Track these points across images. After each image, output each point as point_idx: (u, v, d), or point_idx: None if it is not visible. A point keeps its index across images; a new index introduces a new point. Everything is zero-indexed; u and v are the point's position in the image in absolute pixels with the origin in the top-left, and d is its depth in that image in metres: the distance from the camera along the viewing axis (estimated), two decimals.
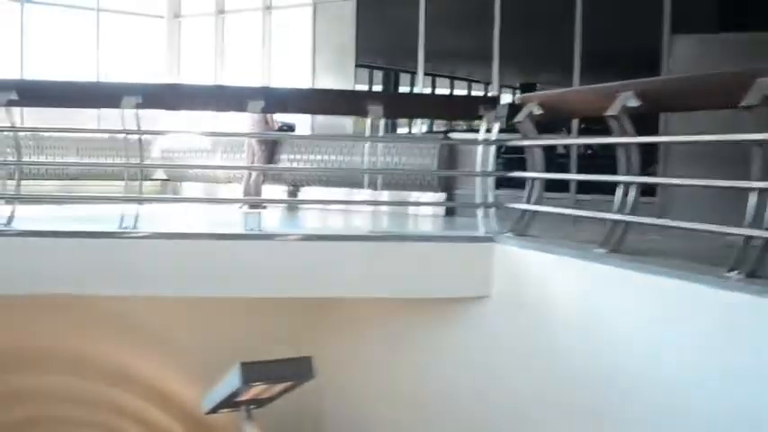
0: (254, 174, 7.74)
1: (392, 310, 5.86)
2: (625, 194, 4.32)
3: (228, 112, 8.87)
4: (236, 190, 8.08)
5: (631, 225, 4.28)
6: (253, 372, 1.95)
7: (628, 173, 4.33)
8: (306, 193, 8.33)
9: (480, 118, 5.38)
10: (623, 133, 4.28)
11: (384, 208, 7.58)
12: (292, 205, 8.31)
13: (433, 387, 5.66)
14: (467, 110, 5.32)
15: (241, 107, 5.19)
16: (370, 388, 6.80)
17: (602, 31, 7.90)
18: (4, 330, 8.69)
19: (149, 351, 8.17)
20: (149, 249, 4.85)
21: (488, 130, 5.27)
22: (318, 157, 7.95)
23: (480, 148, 5.38)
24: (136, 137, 5.36)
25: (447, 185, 7.32)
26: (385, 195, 7.24)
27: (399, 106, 5.23)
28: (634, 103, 4.18)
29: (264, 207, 7.72)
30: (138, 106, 4.99)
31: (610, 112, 4.24)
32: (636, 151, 4.34)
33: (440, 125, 8.83)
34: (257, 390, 2.03)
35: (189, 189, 9.18)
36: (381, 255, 5.16)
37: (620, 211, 4.29)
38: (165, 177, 9.01)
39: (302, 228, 7.05)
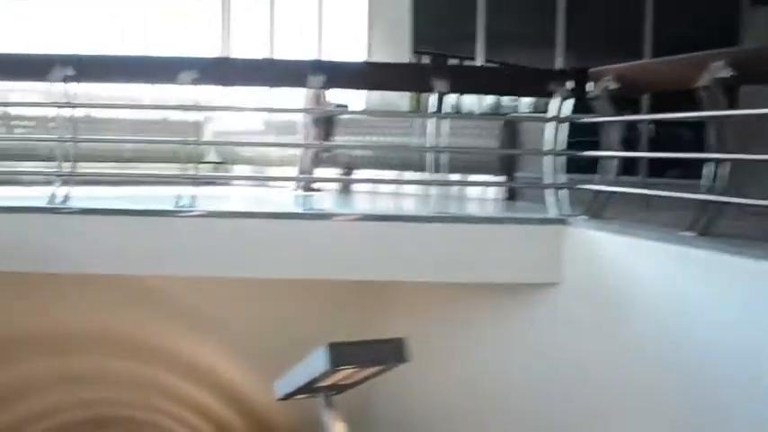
0: (308, 155, 7.56)
1: (453, 296, 5.62)
2: (714, 173, 3.97)
3: (281, 97, 8.81)
4: (290, 173, 7.95)
5: (720, 206, 3.94)
6: (342, 354, 1.73)
7: (718, 150, 3.99)
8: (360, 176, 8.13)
9: (550, 94, 5.08)
10: (714, 106, 3.93)
11: (439, 193, 7.32)
12: (345, 188, 8.11)
13: (494, 378, 5.41)
14: (538, 83, 5.00)
15: (300, 82, 5.00)
16: (425, 378, 6.58)
17: (675, 8, 7.49)
18: (57, 310, 8.78)
19: (202, 334, 8.12)
20: (205, 228, 4.70)
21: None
22: (374, 139, 7.73)
23: (551, 126, 5.07)
24: (191, 118, 5.22)
25: (508, 168, 7.02)
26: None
27: (467, 81, 4.95)
28: (726, 73, 3.83)
29: (318, 190, 7.57)
30: (195, 82, 4.84)
31: (700, 84, 3.89)
32: (727, 126, 4.00)
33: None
34: (343, 374, 1.84)
35: (241, 172, 9.09)
36: (443, 237, 4.92)
37: (711, 191, 3.95)
38: (217, 160, 8.92)
39: (359, 209, 6.83)
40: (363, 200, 7.66)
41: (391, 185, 7.84)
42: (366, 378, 2.02)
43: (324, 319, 6.46)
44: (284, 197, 6.88)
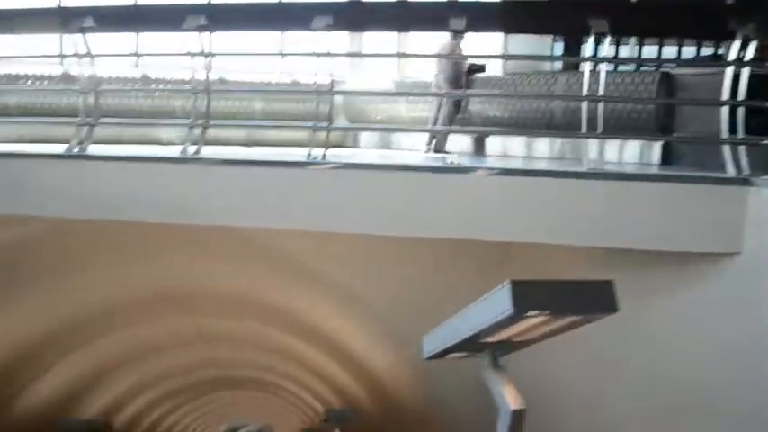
0: (441, 118, 7.15)
1: (600, 264, 5.02)
2: None
3: (415, 59, 8.44)
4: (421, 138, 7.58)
5: None
6: (531, 296, 1.27)
7: None
8: (495, 142, 7.60)
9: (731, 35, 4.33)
10: None
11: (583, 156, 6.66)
12: (479, 151, 7.62)
13: (649, 359, 4.78)
14: (715, 21, 4.28)
15: (438, 25, 4.56)
16: (565, 358, 6.04)
17: None
18: (194, 269, 8.97)
19: (330, 299, 8.02)
20: (337, 182, 4.42)
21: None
22: (512, 102, 7.17)
23: (730, 72, 4.33)
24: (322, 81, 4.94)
25: (664, 128, 6.25)
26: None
27: (630, 19, 4.31)
28: None
29: (449, 152, 7.17)
30: (329, 28, 4.54)
31: None
32: None
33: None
34: (525, 325, 1.40)
35: (370, 137, 8.84)
36: (599, 196, 4.34)
37: None
38: (347, 124, 8.72)
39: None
40: (500, 163, 7.16)
41: (525, 151, 7.28)
42: (547, 334, 1.58)
43: (445, 282, 6.11)
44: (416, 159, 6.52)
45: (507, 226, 4.45)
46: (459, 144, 7.62)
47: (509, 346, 1.68)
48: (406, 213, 4.38)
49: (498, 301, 1.30)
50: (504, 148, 7.61)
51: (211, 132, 5.07)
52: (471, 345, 1.69)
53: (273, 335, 11.77)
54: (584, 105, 4.64)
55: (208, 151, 4.83)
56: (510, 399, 1.57)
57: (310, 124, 4.77)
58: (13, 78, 7.53)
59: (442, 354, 1.84)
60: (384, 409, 10.17)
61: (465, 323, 1.59)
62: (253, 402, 20.96)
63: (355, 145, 8.96)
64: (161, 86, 8.05)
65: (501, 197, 4.46)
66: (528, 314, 1.26)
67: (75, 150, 4.91)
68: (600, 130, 4.61)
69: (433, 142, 7.23)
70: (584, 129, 4.65)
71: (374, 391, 10.13)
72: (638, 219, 4.27)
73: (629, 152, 6.57)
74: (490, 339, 1.56)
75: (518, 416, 1.56)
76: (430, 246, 5.64)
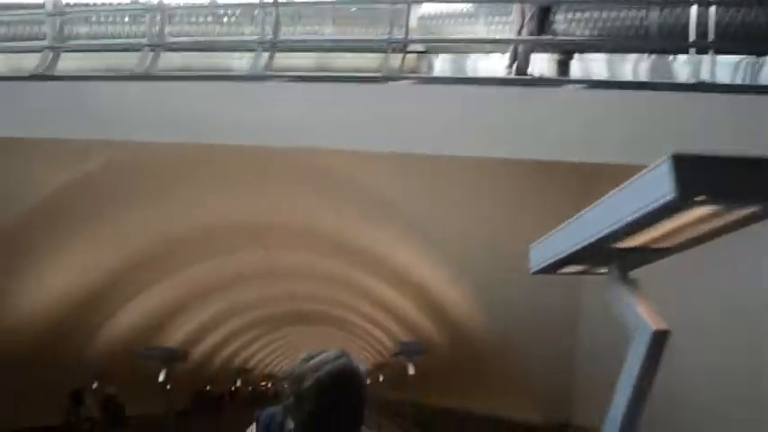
0: (524, 35, 6.57)
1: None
2: None
3: None
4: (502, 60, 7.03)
5: None
6: (702, 174, 0.90)
7: None
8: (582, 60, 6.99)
9: None
10: None
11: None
12: (562, 76, 7.02)
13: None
14: None
15: None
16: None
17: None
18: (265, 203, 8.92)
19: (394, 224, 7.80)
20: (414, 97, 4.09)
21: None
22: (607, 15, 6.49)
23: None
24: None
25: None
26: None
27: None
28: None
29: (531, 75, 6.63)
30: None
31: None
32: None
33: None
34: (683, 220, 1.06)
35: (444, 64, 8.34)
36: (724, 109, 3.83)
37: None
38: (421, 49, 8.22)
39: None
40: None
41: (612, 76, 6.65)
42: (702, 237, 1.21)
43: (530, 211, 5.74)
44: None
45: (595, 145, 4.04)
46: (541, 67, 7.06)
47: (644, 254, 1.36)
48: (488, 132, 4.03)
49: (649, 186, 0.97)
50: (588, 74, 7.01)
51: (279, 61, 4.83)
52: (594, 254, 1.37)
53: (345, 269, 11.78)
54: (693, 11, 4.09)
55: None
56: (649, 318, 1.26)
57: (385, 37, 4.43)
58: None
59: (553, 267, 1.53)
60: (455, 342, 10.02)
61: (590, 224, 1.27)
62: (325, 337, 21.39)
63: (429, 73, 8.51)
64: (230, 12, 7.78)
65: (589, 113, 4.04)
66: (695, 200, 0.93)
67: (144, 71, 4.75)
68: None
69: (515, 65, 6.70)
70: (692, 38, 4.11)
71: (445, 326, 9.98)
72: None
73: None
74: (620, 245, 1.25)
75: (660, 338, 1.25)
76: (510, 169, 5.28)
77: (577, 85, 4.31)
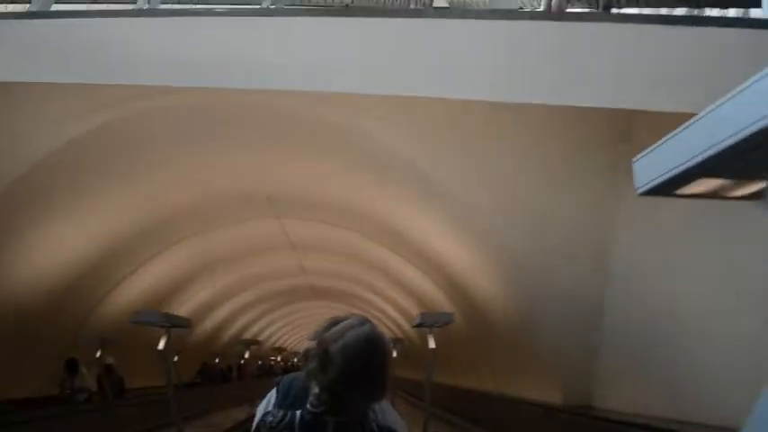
0: None
1: None
2: None
3: None
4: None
5: None
6: None
7: None
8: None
9: None
10: None
11: None
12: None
13: None
14: None
15: None
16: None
17: None
18: (286, 174, 8.46)
19: (413, 190, 7.36)
20: (443, 32, 3.60)
21: None
22: None
23: None
24: None
25: None
26: None
27: None
28: None
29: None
30: None
31: None
32: None
33: None
34: None
35: None
36: None
37: None
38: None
39: None
40: None
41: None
42: None
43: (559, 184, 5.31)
44: None
45: (632, 91, 3.58)
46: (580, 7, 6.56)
47: None
48: (525, 73, 3.55)
49: None
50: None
51: None
52: (733, 164, 0.93)
53: (360, 242, 11.34)
54: None
55: None
56: None
57: None
58: None
59: (668, 185, 1.08)
60: (474, 322, 9.60)
61: (727, 121, 0.83)
62: (337, 313, 20.98)
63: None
64: None
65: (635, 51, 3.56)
66: None
67: (146, 6, 4.29)
68: None
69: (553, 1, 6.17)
70: None
71: (466, 304, 9.55)
72: None
73: None
74: None
75: None
76: (539, 118, 4.81)
77: (621, 23, 3.79)
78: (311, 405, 1.61)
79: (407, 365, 14.44)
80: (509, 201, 6.36)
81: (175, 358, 13.07)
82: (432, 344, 5.14)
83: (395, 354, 8.92)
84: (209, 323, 17.47)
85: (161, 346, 4.49)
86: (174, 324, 4.58)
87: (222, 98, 5.68)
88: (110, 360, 9.99)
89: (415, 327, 5.82)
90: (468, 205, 6.59)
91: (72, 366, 9.23)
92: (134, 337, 12.40)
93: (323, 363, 1.57)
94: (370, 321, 1.66)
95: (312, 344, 1.63)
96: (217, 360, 15.65)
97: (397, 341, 10.31)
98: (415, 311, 15.79)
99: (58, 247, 8.53)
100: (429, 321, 5.22)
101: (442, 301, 11.66)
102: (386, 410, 1.81)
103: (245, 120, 6.63)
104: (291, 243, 12.83)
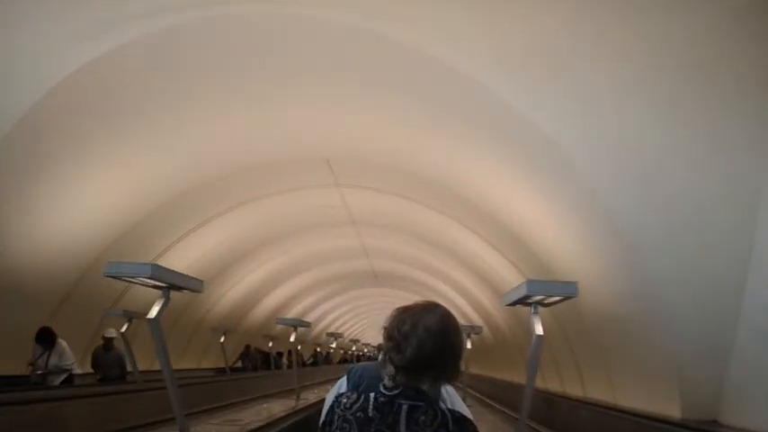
0: None
1: None
2: None
3: None
4: None
5: None
6: None
7: None
8: None
9: None
10: None
11: None
12: None
13: None
14: None
15: None
16: None
17: None
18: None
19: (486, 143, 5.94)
20: None
21: None
22: None
23: None
24: None
25: None
26: None
27: None
28: None
29: None
30: None
31: None
32: None
33: None
34: None
35: None
36: None
37: None
38: None
39: None
40: None
41: None
42: None
43: None
44: None
45: None
46: None
47: None
48: None
49: None
50: None
51: None
52: None
53: (436, 223, 9.95)
54: None
55: None
56: None
57: None
58: None
59: None
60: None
61: None
62: (393, 303, 19.85)
63: None
64: None
65: None
66: None
67: None
68: None
69: None
70: None
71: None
72: None
73: None
74: None
75: None
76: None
77: None
78: (384, 388, 1.64)
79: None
80: (621, 157, 4.96)
81: (222, 338, 12.11)
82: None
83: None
84: (265, 306, 16.50)
85: (153, 313, 3.21)
86: (175, 285, 3.31)
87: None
88: (112, 333, 8.14)
89: None
90: (569, 161, 5.18)
91: (46, 338, 7.15)
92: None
93: (398, 343, 1.62)
94: (442, 306, 1.69)
95: (389, 325, 1.67)
96: (270, 344, 14.59)
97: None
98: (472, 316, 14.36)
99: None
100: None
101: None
102: (454, 397, 1.89)
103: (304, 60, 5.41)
104: (353, 219, 11.57)
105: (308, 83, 6.04)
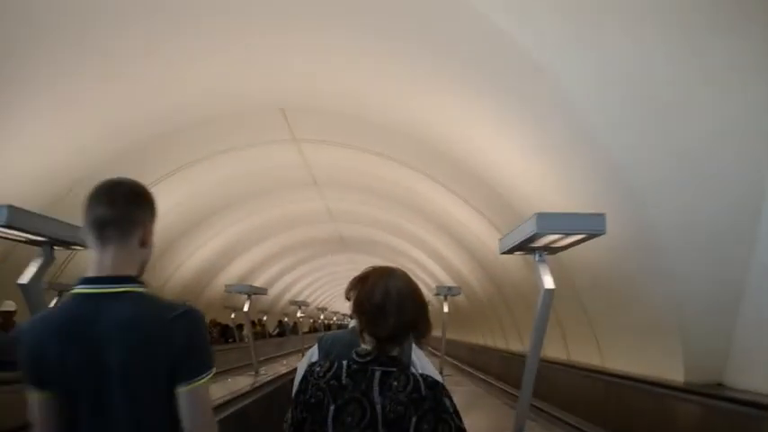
0: None
1: None
2: None
3: None
4: None
5: None
6: None
7: None
8: None
9: None
10: None
11: None
12: None
13: None
14: None
15: None
16: None
17: None
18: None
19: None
20: None
21: None
22: None
23: None
24: None
25: None
26: None
27: None
28: None
29: None
30: None
31: None
32: None
33: None
34: None
35: None
36: None
37: None
38: None
39: None
40: None
41: None
42: None
43: None
44: None
45: None
46: None
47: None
48: None
49: None
50: None
51: None
52: None
53: (405, 180, 9.13)
54: None
55: None
56: None
57: None
58: None
59: None
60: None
61: None
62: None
63: None
64: None
65: None
66: None
67: None
68: None
69: None
70: None
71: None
72: None
73: None
74: None
75: None
76: None
77: None
78: (357, 355, 1.63)
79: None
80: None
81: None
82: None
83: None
84: (226, 277, 15.60)
85: (25, 277, 2.35)
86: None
87: None
88: (10, 306, 6.47)
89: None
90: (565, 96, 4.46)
91: None
92: None
93: (374, 316, 1.60)
94: (394, 266, 1.72)
95: (352, 283, 1.71)
96: (233, 315, 13.85)
97: None
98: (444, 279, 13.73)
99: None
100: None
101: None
102: (424, 362, 2.08)
103: None
104: (315, 179, 10.71)
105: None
